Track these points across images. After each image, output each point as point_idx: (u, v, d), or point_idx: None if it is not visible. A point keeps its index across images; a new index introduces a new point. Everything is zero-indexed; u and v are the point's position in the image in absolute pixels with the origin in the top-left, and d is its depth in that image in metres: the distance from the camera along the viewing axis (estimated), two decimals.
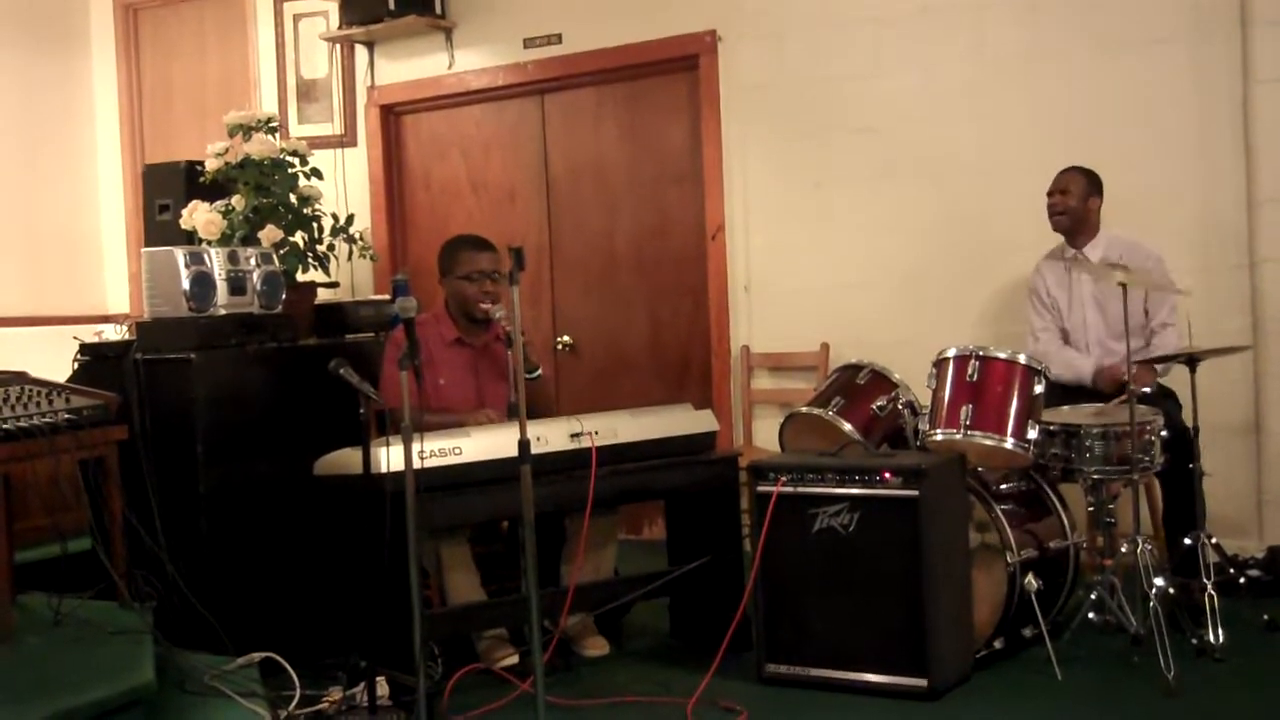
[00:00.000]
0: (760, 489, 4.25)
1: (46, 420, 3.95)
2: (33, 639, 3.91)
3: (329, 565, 4.43)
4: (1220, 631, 4.21)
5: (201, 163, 5.67)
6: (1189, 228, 5.38)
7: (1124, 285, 4.27)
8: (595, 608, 4.62)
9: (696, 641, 4.63)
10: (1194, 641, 4.22)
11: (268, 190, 5.51)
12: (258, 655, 4.12)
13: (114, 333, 6.09)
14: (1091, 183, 5.17)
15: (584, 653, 4.66)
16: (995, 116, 5.80)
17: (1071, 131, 5.59)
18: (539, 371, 4.95)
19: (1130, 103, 5.53)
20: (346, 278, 6.61)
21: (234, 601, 4.41)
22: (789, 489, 4.20)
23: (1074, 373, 5.10)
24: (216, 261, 4.74)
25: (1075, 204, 5.15)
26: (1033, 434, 4.37)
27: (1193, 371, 4.43)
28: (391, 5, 6.81)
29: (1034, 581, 4.24)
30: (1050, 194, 5.20)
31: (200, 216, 5.43)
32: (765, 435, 6.11)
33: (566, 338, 6.93)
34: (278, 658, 4.09)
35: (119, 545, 4.19)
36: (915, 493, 4.02)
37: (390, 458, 3.90)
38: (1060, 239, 5.26)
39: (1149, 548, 4.27)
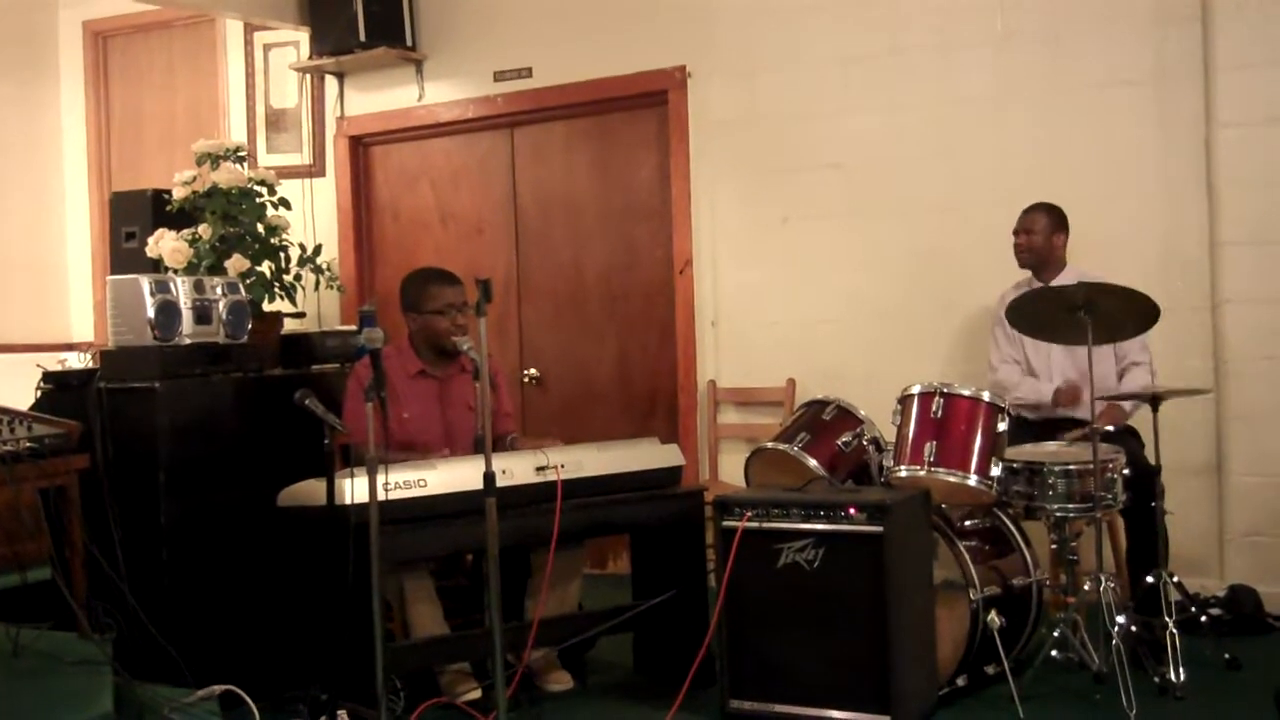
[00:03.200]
0: (725, 524, 4.24)
1: (8, 448, 3.92)
2: None
3: (291, 597, 4.40)
4: (1182, 670, 4.22)
5: (169, 191, 5.65)
6: (1151, 268, 5.41)
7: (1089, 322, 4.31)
8: (559, 642, 4.60)
9: (660, 677, 4.60)
10: (1156, 680, 4.23)
11: (235, 219, 5.50)
12: (218, 688, 4.07)
13: (77, 361, 6.03)
14: (1056, 220, 5.24)
15: (547, 687, 4.63)
16: (963, 155, 5.85)
17: (1037, 171, 5.64)
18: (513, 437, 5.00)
19: (1095, 144, 5.59)
20: (313, 308, 6.59)
21: (195, 633, 4.36)
22: (754, 524, 4.19)
23: (1035, 396, 5.16)
24: (182, 290, 4.71)
25: (1040, 243, 5.23)
26: (996, 471, 4.40)
27: (1155, 411, 4.46)
28: (362, 37, 6.81)
29: (997, 619, 4.24)
30: (1016, 233, 5.28)
31: (166, 245, 5.40)
32: (731, 470, 6.11)
33: (533, 370, 6.92)
34: (238, 690, 4.05)
35: (79, 575, 4.16)
36: (880, 528, 4.02)
37: (354, 489, 3.89)
38: (1028, 273, 5.31)
39: (1112, 585, 4.30)
